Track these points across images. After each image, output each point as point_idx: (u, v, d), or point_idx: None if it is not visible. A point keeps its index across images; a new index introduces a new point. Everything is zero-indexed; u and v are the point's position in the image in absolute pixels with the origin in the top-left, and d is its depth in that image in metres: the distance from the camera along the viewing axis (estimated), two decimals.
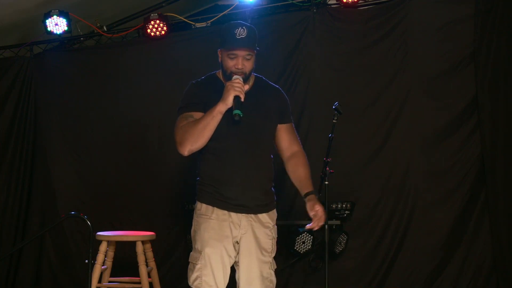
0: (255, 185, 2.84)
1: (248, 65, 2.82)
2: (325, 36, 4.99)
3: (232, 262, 2.86)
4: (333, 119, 4.10)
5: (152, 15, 5.26)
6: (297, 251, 4.53)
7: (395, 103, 4.82)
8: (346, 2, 4.93)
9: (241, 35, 2.77)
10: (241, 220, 2.83)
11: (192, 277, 2.81)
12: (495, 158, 4.53)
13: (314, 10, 5.00)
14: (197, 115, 2.81)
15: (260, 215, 2.87)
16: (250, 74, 2.87)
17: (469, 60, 4.66)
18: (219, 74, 2.94)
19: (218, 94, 2.77)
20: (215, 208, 2.83)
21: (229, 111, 2.75)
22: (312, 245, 4.53)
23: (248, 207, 2.83)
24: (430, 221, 4.69)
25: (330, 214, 4.36)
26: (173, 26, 5.39)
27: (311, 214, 2.85)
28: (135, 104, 5.41)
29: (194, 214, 2.91)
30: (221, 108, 2.73)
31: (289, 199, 4.96)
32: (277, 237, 2.98)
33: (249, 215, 2.85)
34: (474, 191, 4.64)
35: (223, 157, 2.82)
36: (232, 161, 2.81)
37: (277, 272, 4.77)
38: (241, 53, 2.80)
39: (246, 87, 2.80)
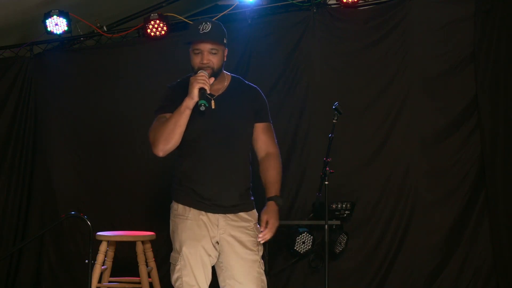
0: (231, 185, 2.83)
1: (215, 60, 2.80)
2: (325, 36, 5.00)
3: (213, 261, 2.84)
4: (333, 119, 4.11)
5: (152, 15, 5.26)
6: (297, 251, 4.53)
7: (395, 103, 4.82)
8: (346, 2, 4.93)
9: (205, 30, 2.77)
10: (219, 220, 2.82)
11: (173, 277, 2.81)
12: (495, 158, 4.53)
13: (314, 10, 5.00)
14: (170, 116, 2.79)
15: (238, 214, 2.85)
16: (219, 70, 2.85)
17: (469, 60, 4.66)
18: None
19: None
20: (191, 208, 2.82)
21: (199, 109, 2.73)
22: (312, 245, 4.53)
23: (225, 207, 2.82)
24: (430, 221, 4.69)
25: (330, 214, 4.36)
26: (173, 26, 5.39)
27: (261, 223, 2.84)
28: (135, 104, 5.41)
29: (171, 214, 2.92)
30: (188, 103, 2.71)
31: (289, 199, 4.96)
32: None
33: (226, 215, 2.83)
34: (474, 191, 4.64)
35: (200, 157, 2.81)
36: (209, 161, 2.80)
37: (277, 272, 4.83)
38: (205, 47, 2.78)
39: (212, 80, 2.77)
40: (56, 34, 5.36)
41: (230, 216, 2.83)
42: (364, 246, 4.80)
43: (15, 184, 5.61)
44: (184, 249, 2.78)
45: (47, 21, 5.27)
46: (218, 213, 2.82)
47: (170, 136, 2.73)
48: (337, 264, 4.74)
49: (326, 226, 4.17)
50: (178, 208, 2.87)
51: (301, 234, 4.50)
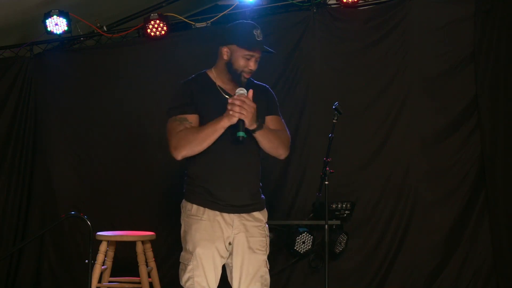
0: (245, 185, 2.84)
1: (256, 67, 2.86)
2: (325, 36, 5.00)
3: (223, 262, 2.85)
4: (333, 119, 4.11)
5: (152, 15, 5.26)
6: (297, 251, 4.53)
7: (395, 103, 4.82)
8: (346, 2, 4.93)
9: (260, 37, 2.80)
10: (234, 220, 2.83)
11: (184, 277, 2.81)
12: (495, 158, 4.53)
13: (314, 10, 5.00)
14: (191, 117, 2.80)
15: (252, 214, 2.87)
16: None
17: (469, 60, 4.66)
18: (210, 73, 2.92)
19: (209, 94, 2.74)
20: (206, 209, 2.82)
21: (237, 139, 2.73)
22: (312, 245, 4.53)
23: (239, 206, 2.83)
24: (430, 221, 4.69)
25: (330, 214, 4.36)
26: (173, 26, 5.39)
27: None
28: (135, 104, 5.41)
29: (183, 214, 2.90)
30: (225, 124, 2.72)
31: (289, 199, 4.97)
32: (269, 235, 2.97)
33: (241, 214, 2.84)
34: (474, 191, 4.64)
35: (213, 157, 2.81)
36: (222, 162, 2.81)
37: (277, 272, 4.83)
38: (258, 55, 2.83)
39: (250, 93, 2.76)
40: (56, 34, 5.36)
41: (245, 215, 2.85)
42: (364, 246, 4.80)
43: (15, 184, 5.61)
44: (197, 249, 2.78)
45: (47, 21, 5.26)
46: (233, 213, 2.83)
47: (197, 147, 2.76)
48: (337, 264, 4.74)
49: (326, 226, 4.17)
50: (192, 208, 2.86)
51: (301, 234, 4.50)
